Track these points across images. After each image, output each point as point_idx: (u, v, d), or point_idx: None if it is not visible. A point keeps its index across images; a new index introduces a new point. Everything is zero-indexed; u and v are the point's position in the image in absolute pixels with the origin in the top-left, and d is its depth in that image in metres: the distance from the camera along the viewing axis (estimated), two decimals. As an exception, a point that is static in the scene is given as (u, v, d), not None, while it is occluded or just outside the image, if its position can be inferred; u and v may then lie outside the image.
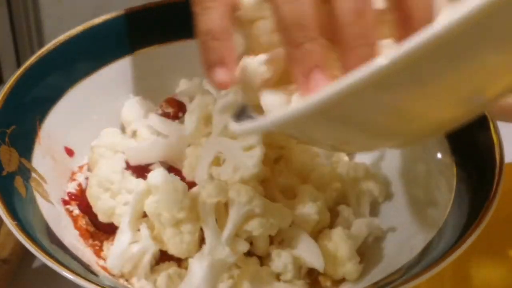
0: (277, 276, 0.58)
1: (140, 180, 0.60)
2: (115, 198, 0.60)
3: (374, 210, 0.64)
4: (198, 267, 0.56)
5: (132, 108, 0.69)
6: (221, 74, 0.45)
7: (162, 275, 0.58)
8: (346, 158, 0.67)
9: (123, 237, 0.58)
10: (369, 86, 0.35)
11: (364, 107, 0.38)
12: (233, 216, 0.56)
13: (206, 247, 0.56)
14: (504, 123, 0.60)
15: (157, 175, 0.58)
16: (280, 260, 0.57)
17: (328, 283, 0.59)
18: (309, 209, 0.59)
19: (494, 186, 0.55)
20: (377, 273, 0.56)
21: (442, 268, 0.51)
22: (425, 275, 0.50)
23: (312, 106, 0.38)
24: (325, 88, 0.37)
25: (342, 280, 0.59)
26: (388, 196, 0.65)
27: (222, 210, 0.57)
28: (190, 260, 0.57)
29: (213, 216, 0.56)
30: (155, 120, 0.65)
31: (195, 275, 0.55)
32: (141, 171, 0.62)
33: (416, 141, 0.51)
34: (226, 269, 0.56)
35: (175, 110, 0.66)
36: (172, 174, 0.58)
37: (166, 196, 0.56)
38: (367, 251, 0.61)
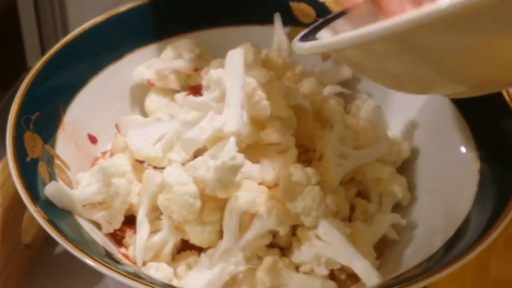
0: (297, 268, 0.58)
1: (157, 173, 0.59)
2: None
3: (396, 211, 0.64)
4: (206, 267, 0.56)
5: (155, 97, 0.69)
6: None
7: (182, 264, 0.58)
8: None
9: (143, 229, 0.58)
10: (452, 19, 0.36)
11: (441, 42, 0.39)
12: (257, 229, 0.56)
13: (221, 247, 0.56)
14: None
15: (173, 172, 0.57)
16: (300, 252, 0.57)
17: (343, 276, 0.58)
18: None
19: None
20: (396, 269, 0.56)
21: (463, 264, 0.50)
22: (446, 271, 0.50)
23: (390, 29, 0.38)
24: (406, 14, 0.38)
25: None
26: (412, 200, 0.64)
27: (247, 216, 0.57)
28: (202, 256, 0.57)
29: (238, 220, 0.56)
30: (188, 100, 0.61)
31: (203, 274, 0.56)
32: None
33: (478, 91, 0.50)
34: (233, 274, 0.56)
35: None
36: (187, 175, 0.56)
37: (177, 197, 0.55)
38: (387, 246, 0.61)
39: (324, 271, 0.56)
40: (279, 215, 0.55)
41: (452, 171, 0.62)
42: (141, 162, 0.61)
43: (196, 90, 0.66)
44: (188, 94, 0.67)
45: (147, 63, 0.69)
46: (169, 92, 0.69)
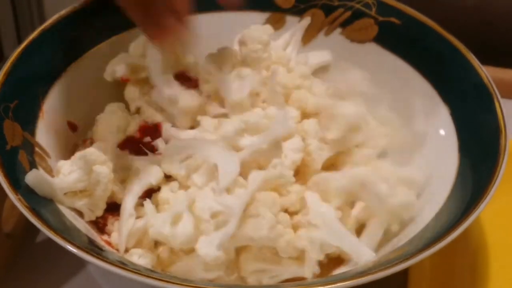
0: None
1: (159, 169, 0.60)
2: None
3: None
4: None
5: (133, 88, 0.68)
6: None
7: (165, 249, 0.58)
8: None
9: (129, 217, 0.58)
10: None
11: None
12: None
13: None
14: (508, 99, 0.61)
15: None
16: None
17: (325, 260, 0.58)
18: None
19: (498, 162, 0.55)
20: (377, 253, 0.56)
21: (445, 244, 0.51)
22: (423, 254, 0.50)
23: None
24: None
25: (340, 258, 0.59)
26: None
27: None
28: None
29: None
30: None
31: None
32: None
33: None
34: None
35: (186, 86, 0.66)
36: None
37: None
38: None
39: (320, 256, 0.56)
40: (273, 207, 0.56)
41: (432, 155, 0.62)
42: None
43: (183, 76, 0.66)
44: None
45: (116, 60, 0.68)
46: (147, 80, 0.69)
